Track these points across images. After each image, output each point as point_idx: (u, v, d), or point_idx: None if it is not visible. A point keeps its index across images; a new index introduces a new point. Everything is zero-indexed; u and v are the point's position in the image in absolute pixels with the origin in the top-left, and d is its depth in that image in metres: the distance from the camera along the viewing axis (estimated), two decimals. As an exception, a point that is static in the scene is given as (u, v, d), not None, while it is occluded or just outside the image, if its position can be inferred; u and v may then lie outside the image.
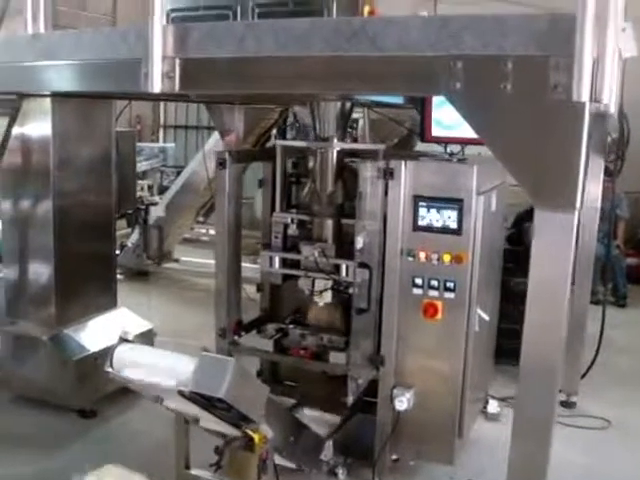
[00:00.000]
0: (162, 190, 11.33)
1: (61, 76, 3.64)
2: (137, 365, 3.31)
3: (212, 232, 11.76)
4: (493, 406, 5.67)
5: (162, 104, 14.93)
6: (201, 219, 10.63)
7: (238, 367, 3.10)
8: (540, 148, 2.67)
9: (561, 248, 2.73)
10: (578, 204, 2.68)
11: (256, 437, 3.43)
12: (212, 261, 9.35)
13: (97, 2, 5.95)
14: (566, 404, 5.92)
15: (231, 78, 3.14)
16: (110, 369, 3.35)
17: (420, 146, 7.19)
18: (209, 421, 3.46)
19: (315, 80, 2.98)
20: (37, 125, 5.56)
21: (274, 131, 7.97)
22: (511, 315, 6.22)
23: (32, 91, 4.43)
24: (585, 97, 2.52)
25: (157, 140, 14.84)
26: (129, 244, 9.95)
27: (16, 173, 5.72)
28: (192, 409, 3.36)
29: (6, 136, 5.47)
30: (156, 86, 3.11)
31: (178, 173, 11.07)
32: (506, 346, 6.08)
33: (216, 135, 8.88)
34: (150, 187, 11.06)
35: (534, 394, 2.92)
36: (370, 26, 2.83)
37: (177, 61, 3.14)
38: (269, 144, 7.85)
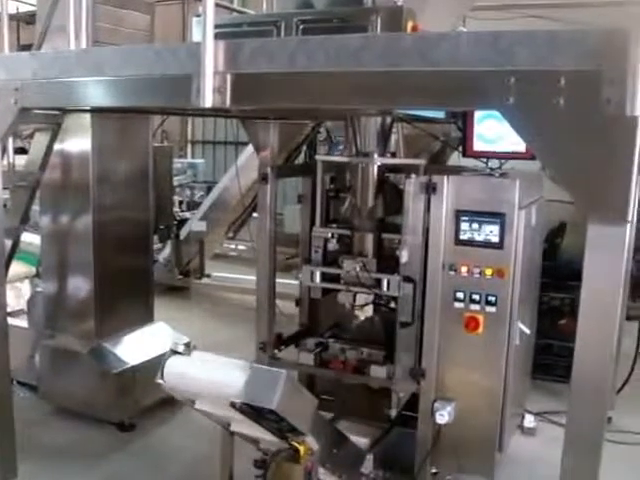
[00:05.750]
0: (191, 205, 11.37)
1: (110, 91, 3.66)
2: (187, 376, 3.34)
3: (241, 247, 11.84)
4: (529, 421, 5.65)
5: (190, 120, 15.00)
6: (231, 235, 10.64)
7: (289, 379, 3.13)
8: (593, 162, 2.68)
9: (613, 262, 2.73)
10: (630, 217, 2.69)
11: (302, 449, 3.46)
12: (242, 276, 9.58)
13: (134, 18, 5.97)
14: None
15: (282, 93, 3.17)
16: (161, 380, 3.38)
17: (454, 160, 7.21)
18: (247, 428, 3.48)
19: (367, 95, 3.01)
20: (77, 141, 5.62)
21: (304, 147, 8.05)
22: (545, 330, 6.26)
23: (80, 106, 4.47)
24: (638, 111, 2.53)
25: (185, 156, 14.92)
26: (160, 259, 9.98)
27: (56, 188, 5.78)
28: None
29: (48, 151, 5.55)
30: (207, 101, 3.14)
31: (208, 188, 11.11)
32: (541, 361, 6.10)
33: (247, 152, 8.94)
34: (181, 202, 11.10)
35: (585, 409, 2.90)
36: (423, 42, 2.87)
37: (228, 76, 3.18)
38: (298, 159, 7.95)
